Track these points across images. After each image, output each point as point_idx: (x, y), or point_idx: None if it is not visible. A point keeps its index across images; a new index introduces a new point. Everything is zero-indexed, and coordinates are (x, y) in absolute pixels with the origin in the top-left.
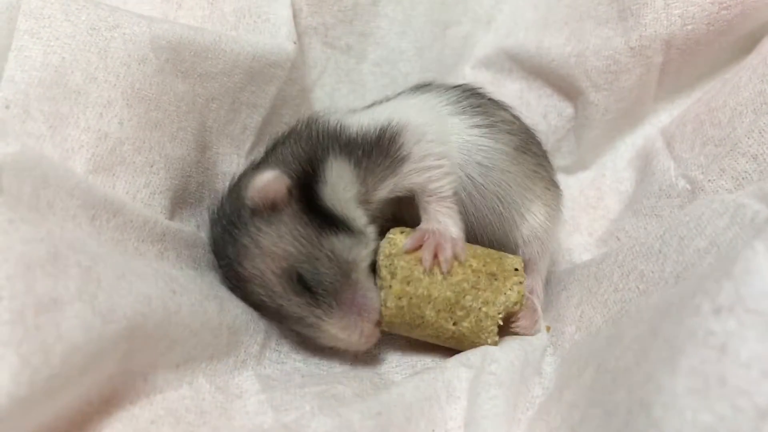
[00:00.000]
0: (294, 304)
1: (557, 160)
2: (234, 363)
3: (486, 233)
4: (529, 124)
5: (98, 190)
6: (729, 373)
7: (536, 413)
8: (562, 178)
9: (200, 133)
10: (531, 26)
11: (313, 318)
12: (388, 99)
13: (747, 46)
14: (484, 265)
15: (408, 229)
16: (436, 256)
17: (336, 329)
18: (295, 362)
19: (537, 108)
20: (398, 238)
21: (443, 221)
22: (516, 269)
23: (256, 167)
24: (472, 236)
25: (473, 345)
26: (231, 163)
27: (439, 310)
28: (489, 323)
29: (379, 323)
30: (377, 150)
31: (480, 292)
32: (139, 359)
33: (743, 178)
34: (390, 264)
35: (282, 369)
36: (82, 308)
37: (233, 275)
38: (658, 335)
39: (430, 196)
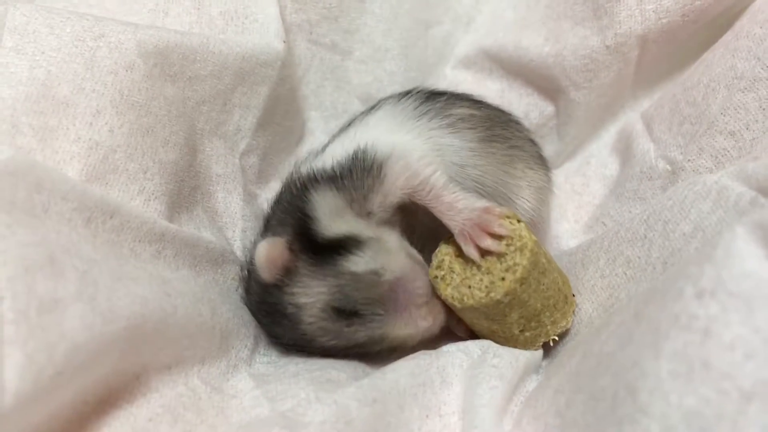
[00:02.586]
0: (354, 333)
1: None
2: (226, 366)
3: None
4: (496, 107)
5: (93, 192)
6: (713, 356)
7: (525, 401)
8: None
9: (191, 137)
10: (510, 26)
11: (374, 332)
12: (347, 128)
13: (725, 24)
14: (563, 284)
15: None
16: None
17: (398, 330)
18: (289, 358)
19: (519, 106)
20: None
21: (460, 204)
22: (573, 294)
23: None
24: None
25: (509, 345)
26: (226, 164)
27: (521, 317)
28: (542, 340)
29: (435, 297)
30: (355, 172)
31: (555, 313)
32: (132, 360)
33: (722, 156)
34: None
35: (275, 365)
36: (83, 308)
37: (300, 342)
38: (642, 320)
39: (428, 192)
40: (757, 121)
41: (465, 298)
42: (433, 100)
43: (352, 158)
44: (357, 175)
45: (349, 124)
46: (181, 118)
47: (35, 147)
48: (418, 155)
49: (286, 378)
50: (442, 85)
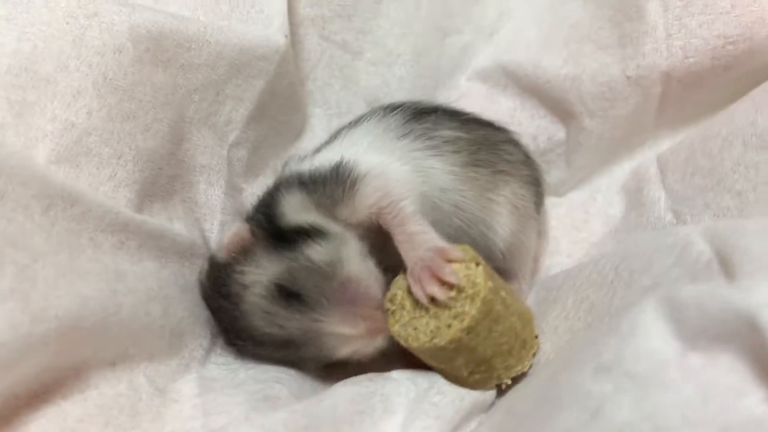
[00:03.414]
0: (292, 320)
1: (547, 179)
2: (177, 366)
3: None
4: (490, 125)
5: (56, 179)
6: None
7: None
8: (550, 199)
9: (178, 125)
10: (532, 44)
11: (311, 323)
12: (334, 139)
13: (757, 81)
14: (522, 328)
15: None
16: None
17: (335, 326)
18: (242, 362)
19: (528, 128)
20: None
21: (419, 239)
22: (536, 336)
23: None
24: None
25: (458, 384)
26: (212, 155)
27: (469, 361)
28: (494, 382)
29: (383, 310)
30: (330, 182)
31: (509, 358)
32: (72, 356)
33: (724, 215)
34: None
35: (228, 368)
36: (12, 307)
37: (237, 326)
38: (554, 383)
39: (393, 218)
40: (765, 183)
41: (410, 339)
42: (421, 119)
43: (330, 170)
44: (330, 186)
45: (337, 135)
46: (168, 105)
47: (10, 122)
48: (396, 178)
49: (230, 389)
50: (453, 95)
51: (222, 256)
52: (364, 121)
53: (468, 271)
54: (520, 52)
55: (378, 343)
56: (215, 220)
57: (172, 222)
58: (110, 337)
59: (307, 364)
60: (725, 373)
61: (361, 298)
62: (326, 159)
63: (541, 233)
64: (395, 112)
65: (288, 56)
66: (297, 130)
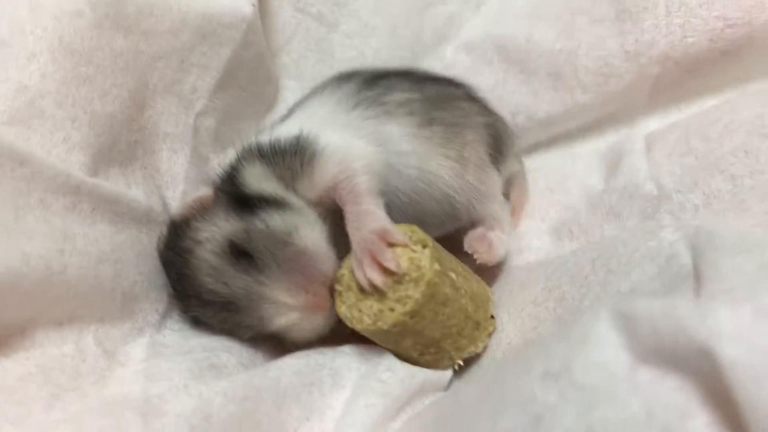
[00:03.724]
0: (238, 280)
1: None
2: (129, 329)
3: (434, 218)
4: (445, 81)
5: (5, 139)
6: None
7: (412, 417)
8: (526, 160)
9: (139, 91)
10: (522, 16)
11: (256, 286)
12: (292, 111)
13: (753, 71)
14: (475, 310)
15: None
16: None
17: (280, 293)
18: (196, 330)
19: (508, 104)
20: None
21: (365, 219)
22: (492, 316)
23: None
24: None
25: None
26: (177, 123)
27: (417, 343)
28: (446, 364)
29: (332, 290)
30: (288, 155)
31: (460, 339)
32: (16, 314)
33: (714, 196)
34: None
35: (182, 334)
36: None
37: (183, 283)
38: (498, 381)
39: (347, 193)
40: (763, 172)
41: (354, 321)
42: (372, 85)
43: (289, 144)
44: (289, 159)
45: (294, 107)
46: (129, 71)
47: None
48: (355, 153)
49: (177, 355)
50: (437, 67)
51: (181, 211)
52: (319, 92)
53: (413, 254)
54: (510, 24)
55: (317, 323)
56: (178, 188)
57: (130, 188)
58: (56, 296)
59: (244, 332)
60: (673, 392)
61: (310, 272)
62: (285, 131)
63: (515, 185)
64: (348, 81)
65: (255, 25)
66: (269, 102)
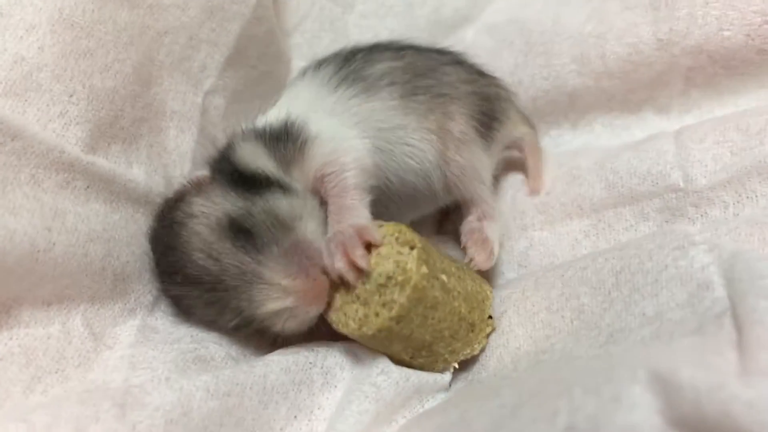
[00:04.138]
0: (232, 256)
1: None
2: (120, 310)
3: (423, 197)
4: (427, 48)
5: None
6: None
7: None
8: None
9: (145, 67)
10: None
11: (252, 264)
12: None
13: None
14: (469, 312)
15: None
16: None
17: (275, 272)
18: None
19: (529, 89)
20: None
21: (347, 214)
22: (490, 317)
23: None
24: (412, 210)
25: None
26: (185, 102)
27: (407, 347)
28: (440, 367)
29: (326, 274)
30: (282, 140)
31: (454, 342)
32: (1, 291)
33: (749, 198)
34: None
35: (172, 320)
36: None
37: (173, 258)
38: (518, 416)
39: (332, 188)
40: None
41: (340, 326)
42: (351, 60)
43: (281, 128)
44: (283, 144)
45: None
46: (133, 46)
47: None
48: (345, 145)
49: (165, 344)
50: (457, 48)
51: (177, 190)
52: (305, 73)
53: (400, 257)
54: (538, 6)
55: (309, 314)
56: (185, 167)
57: (132, 166)
58: (42, 275)
59: (228, 316)
60: None
61: (312, 258)
62: (276, 115)
63: (525, 147)
64: (328, 62)
65: (265, 1)
66: (280, 82)
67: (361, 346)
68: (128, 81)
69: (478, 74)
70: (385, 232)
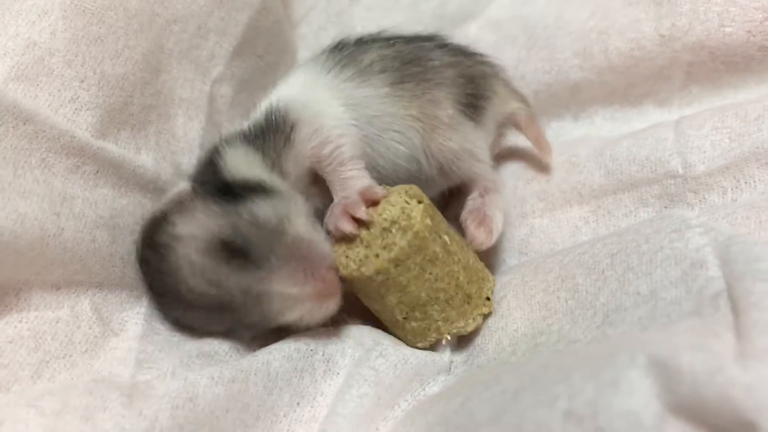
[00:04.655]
0: (233, 279)
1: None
2: (127, 296)
3: (418, 182)
4: (417, 36)
5: (9, 96)
6: None
7: (415, 407)
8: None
9: (154, 55)
10: None
11: (257, 283)
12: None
13: None
14: (468, 282)
15: None
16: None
17: (283, 285)
18: None
19: (531, 83)
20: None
21: (349, 183)
22: (488, 298)
23: None
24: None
25: (397, 333)
26: (193, 89)
27: (401, 302)
28: (433, 336)
29: (336, 270)
30: (267, 129)
31: (448, 309)
32: (10, 274)
33: (746, 183)
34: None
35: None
36: None
37: (167, 286)
38: (518, 401)
39: (329, 164)
40: None
41: (341, 268)
42: (343, 47)
43: (265, 117)
44: (270, 135)
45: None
46: (143, 33)
47: None
48: (331, 122)
49: (166, 343)
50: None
51: (158, 208)
52: (298, 65)
53: (406, 205)
54: (540, 3)
55: (329, 308)
56: (193, 155)
57: (140, 152)
58: (52, 259)
59: (243, 331)
60: None
61: (312, 257)
62: (263, 110)
63: (521, 122)
64: (324, 50)
65: None
66: (285, 73)
67: (362, 329)
68: (138, 68)
69: (462, 55)
70: (395, 189)
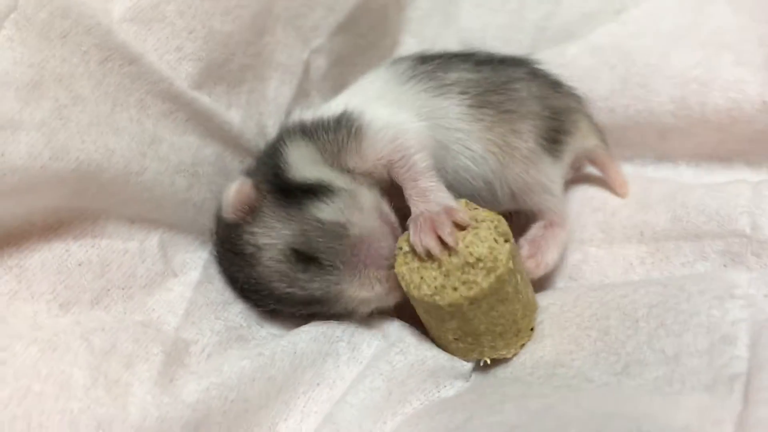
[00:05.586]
0: (310, 283)
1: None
2: (193, 240)
3: (481, 199)
4: (509, 61)
5: (120, 35)
6: None
7: (422, 410)
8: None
9: (262, 17)
10: (663, 35)
11: (332, 286)
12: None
13: None
14: (522, 318)
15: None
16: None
17: (354, 289)
18: None
19: (620, 117)
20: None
21: (431, 195)
22: (532, 329)
23: None
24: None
25: (439, 345)
26: (291, 56)
27: (460, 328)
28: (474, 357)
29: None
30: (333, 130)
31: (498, 340)
32: (91, 203)
33: None
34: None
35: None
36: (36, 138)
37: (255, 287)
38: None
39: (405, 171)
40: None
41: (411, 287)
42: (428, 62)
43: (334, 119)
44: (334, 134)
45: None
46: None
47: None
48: (407, 129)
49: (214, 305)
50: (554, 62)
51: (229, 215)
52: (372, 71)
53: (495, 245)
54: (647, 40)
55: (397, 297)
56: (279, 119)
57: (230, 108)
58: (131, 195)
59: (338, 316)
60: None
61: (372, 260)
62: (330, 108)
63: (596, 158)
64: (402, 61)
65: None
66: (383, 55)
67: (391, 323)
68: (245, 27)
69: (551, 87)
70: (485, 216)
